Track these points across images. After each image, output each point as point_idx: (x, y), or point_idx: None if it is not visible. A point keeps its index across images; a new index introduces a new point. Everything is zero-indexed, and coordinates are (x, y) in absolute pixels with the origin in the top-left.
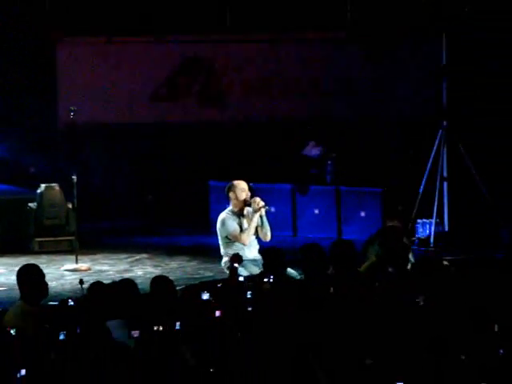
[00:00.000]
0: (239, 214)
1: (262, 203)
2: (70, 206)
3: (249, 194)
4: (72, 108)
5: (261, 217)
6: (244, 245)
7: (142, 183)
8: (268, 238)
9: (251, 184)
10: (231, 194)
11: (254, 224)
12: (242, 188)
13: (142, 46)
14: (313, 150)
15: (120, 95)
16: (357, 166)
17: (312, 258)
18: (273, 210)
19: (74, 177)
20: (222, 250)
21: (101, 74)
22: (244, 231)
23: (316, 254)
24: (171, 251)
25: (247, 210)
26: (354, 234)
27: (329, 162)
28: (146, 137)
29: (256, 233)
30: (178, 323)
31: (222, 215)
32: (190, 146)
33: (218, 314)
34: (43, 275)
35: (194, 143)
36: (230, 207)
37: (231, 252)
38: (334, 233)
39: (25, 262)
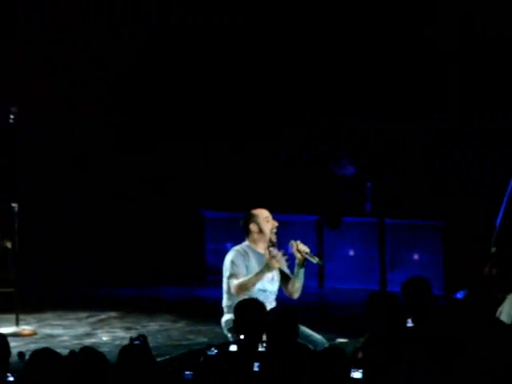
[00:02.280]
0: (259, 254)
1: (306, 247)
2: (8, 245)
3: (275, 228)
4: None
5: (297, 266)
6: (235, 294)
7: (111, 215)
8: (297, 296)
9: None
10: (252, 226)
11: (266, 272)
12: (266, 217)
13: None
14: (348, 167)
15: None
16: (407, 189)
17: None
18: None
19: (15, 204)
20: (225, 302)
21: None
22: (253, 277)
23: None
24: (150, 308)
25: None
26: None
27: (368, 185)
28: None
29: (281, 283)
30: None
31: (234, 249)
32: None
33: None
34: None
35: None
36: (247, 242)
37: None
38: (376, 283)
39: None
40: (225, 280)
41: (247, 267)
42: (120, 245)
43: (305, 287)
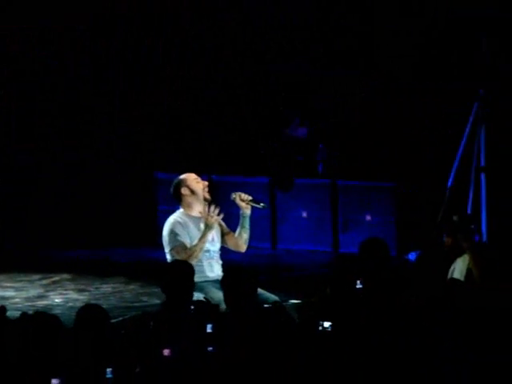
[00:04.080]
0: (197, 219)
1: (247, 196)
2: None
3: (206, 187)
4: None
5: (243, 216)
6: (191, 261)
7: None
8: (245, 247)
9: (213, 177)
10: (183, 190)
11: (209, 232)
12: (195, 178)
13: None
14: (300, 129)
15: None
16: (359, 150)
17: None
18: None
19: None
20: None
21: None
22: (199, 242)
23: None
24: (102, 270)
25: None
26: (354, 246)
27: (321, 146)
28: None
29: (222, 240)
30: (109, 370)
31: (170, 220)
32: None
33: (166, 353)
34: None
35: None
36: (182, 210)
37: None
38: (329, 245)
39: None
40: (168, 254)
41: (188, 234)
42: (71, 207)
43: (257, 249)
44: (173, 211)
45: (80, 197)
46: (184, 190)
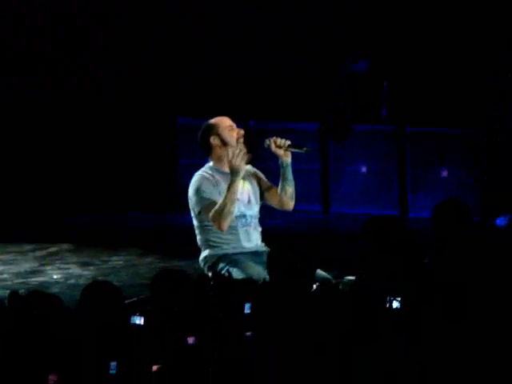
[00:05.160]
0: (227, 174)
1: (284, 140)
2: None
3: (242, 137)
4: None
5: (282, 167)
6: (221, 229)
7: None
8: (292, 204)
9: (250, 123)
10: (213, 140)
11: (237, 188)
12: (229, 125)
13: None
14: (360, 62)
15: None
16: (433, 89)
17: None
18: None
19: None
20: (199, 238)
21: None
22: (228, 193)
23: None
24: (112, 239)
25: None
26: (427, 210)
27: (385, 85)
28: None
29: (263, 197)
30: (113, 364)
31: (197, 176)
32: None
33: (190, 341)
34: None
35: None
36: (211, 163)
37: (214, 240)
38: (395, 208)
39: None
40: (195, 218)
41: (220, 193)
42: (70, 163)
43: (305, 212)
44: (199, 167)
45: (81, 150)
46: (213, 140)
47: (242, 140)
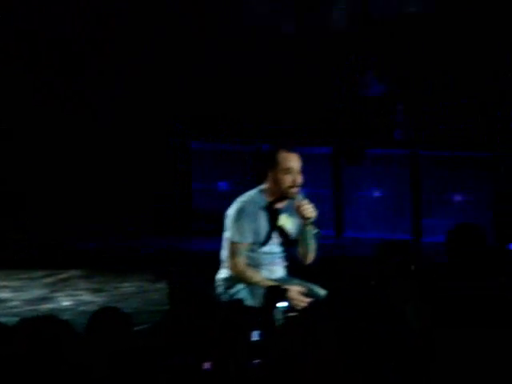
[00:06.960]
0: (273, 210)
1: (312, 211)
2: None
3: (300, 178)
4: None
5: (305, 229)
6: (238, 273)
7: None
8: (311, 259)
9: (263, 146)
10: (270, 173)
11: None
12: (289, 167)
13: None
14: (374, 84)
15: None
16: (448, 111)
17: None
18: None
19: None
20: (223, 253)
21: None
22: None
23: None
24: (123, 265)
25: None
26: (440, 234)
27: (399, 107)
28: None
29: (288, 243)
30: None
31: (242, 203)
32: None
33: (206, 366)
34: None
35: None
36: (263, 187)
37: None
38: (408, 231)
39: None
40: (225, 238)
41: (255, 232)
42: (83, 187)
43: (318, 237)
44: (213, 191)
45: (95, 175)
46: (270, 174)
47: (295, 190)
